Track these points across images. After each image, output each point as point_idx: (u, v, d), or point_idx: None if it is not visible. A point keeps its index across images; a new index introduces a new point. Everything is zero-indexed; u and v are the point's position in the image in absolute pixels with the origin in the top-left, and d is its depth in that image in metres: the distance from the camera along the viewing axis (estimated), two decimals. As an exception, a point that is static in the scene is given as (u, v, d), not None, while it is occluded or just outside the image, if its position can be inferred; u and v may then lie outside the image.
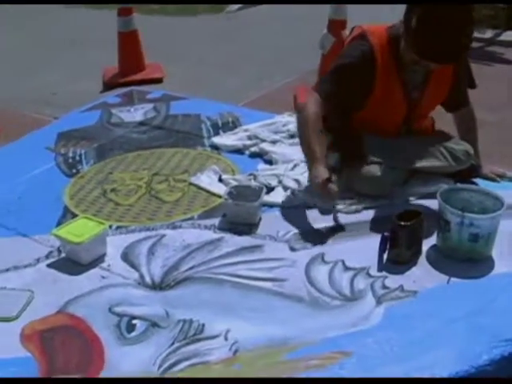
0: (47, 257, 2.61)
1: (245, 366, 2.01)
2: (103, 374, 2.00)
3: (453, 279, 2.36)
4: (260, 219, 2.79)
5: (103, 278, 2.47)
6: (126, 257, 2.59)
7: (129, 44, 5.26)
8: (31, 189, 3.18)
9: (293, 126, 3.65)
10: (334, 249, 2.58)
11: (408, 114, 2.92)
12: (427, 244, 2.55)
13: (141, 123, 4.00)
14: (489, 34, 7.01)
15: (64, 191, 3.15)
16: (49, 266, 2.56)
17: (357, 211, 2.81)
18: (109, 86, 5.08)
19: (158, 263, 2.53)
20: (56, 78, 5.29)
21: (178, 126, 3.94)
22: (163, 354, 2.06)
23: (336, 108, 2.81)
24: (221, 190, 3.01)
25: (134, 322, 2.22)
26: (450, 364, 1.96)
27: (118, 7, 5.16)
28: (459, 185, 2.73)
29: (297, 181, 3.03)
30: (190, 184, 3.17)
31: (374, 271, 2.42)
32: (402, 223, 2.42)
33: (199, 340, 2.12)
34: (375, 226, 2.70)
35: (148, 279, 2.44)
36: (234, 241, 2.66)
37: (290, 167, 3.17)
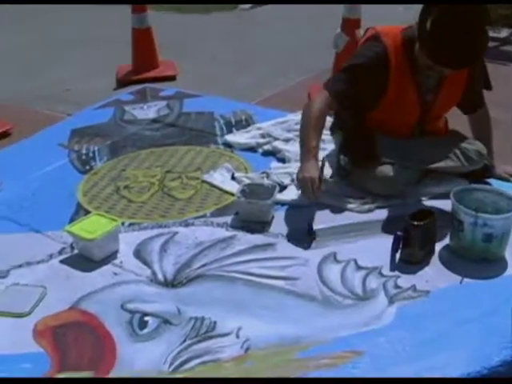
0: (60, 253, 2.62)
1: (256, 364, 2.01)
2: (115, 371, 2.01)
3: (466, 279, 2.35)
4: (273, 217, 2.79)
5: (115, 274, 2.47)
6: (139, 254, 2.59)
7: (143, 41, 5.26)
8: (44, 185, 3.19)
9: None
10: (346, 248, 2.57)
11: (422, 116, 2.90)
12: (440, 244, 2.54)
13: (154, 120, 4.01)
14: (504, 33, 6.97)
15: (77, 188, 3.16)
16: (61, 262, 2.57)
17: (370, 210, 2.80)
18: (122, 83, 5.09)
19: (170, 260, 2.53)
20: (69, 75, 5.31)
21: (191, 123, 3.94)
22: (175, 351, 2.07)
23: (347, 107, 2.80)
24: (233, 187, 3.01)
25: (146, 318, 2.22)
26: (461, 364, 1.95)
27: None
28: (473, 185, 2.72)
29: (310, 179, 3.02)
30: (203, 182, 3.17)
31: (386, 271, 2.42)
32: (415, 223, 2.42)
33: (211, 337, 2.12)
34: (388, 225, 2.69)
35: (160, 276, 2.44)
36: (247, 239, 2.66)
37: (303, 166, 3.16)
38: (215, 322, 2.18)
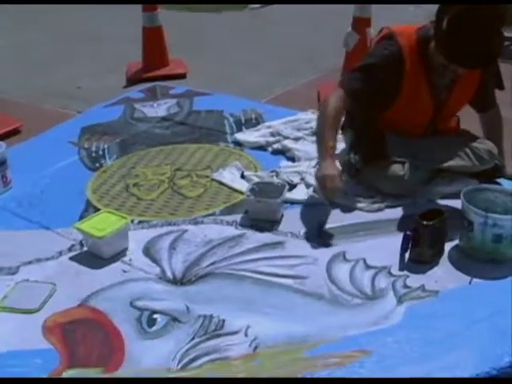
0: (69, 250, 2.63)
1: (264, 363, 2.01)
2: (123, 368, 2.01)
3: (475, 280, 2.35)
4: (282, 216, 2.79)
5: (125, 272, 2.48)
6: (148, 251, 2.60)
7: (153, 39, 5.27)
8: (54, 183, 3.20)
9: (316, 124, 3.64)
10: (355, 247, 2.57)
11: (434, 116, 2.89)
12: (450, 244, 2.53)
13: (164, 118, 4.02)
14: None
15: (87, 185, 3.17)
16: (71, 259, 2.58)
17: (379, 210, 2.80)
18: (132, 81, 5.10)
19: (179, 258, 2.53)
20: (80, 73, 5.32)
21: (200, 121, 3.95)
22: (183, 349, 2.07)
23: (361, 106, 2.79)
24: (243, 186, 3.01)
25: (155, 316, 2.23)
26: (470, 365, 1.95)
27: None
28: (483, 185, 2.70)
29: (319, 178, 3.01)
30: (213, 180, 3.18)
31: (395, 270, 2.41)
32: (425, 222, 2.41)
33: (219, 336, 2.12)
34: (397, 224, 2.69)
35: (169, 274, 2.45)
36: (256, 237, 2.66)
37: (313, 164, 3.16)
38: (224, 320, 2.18)
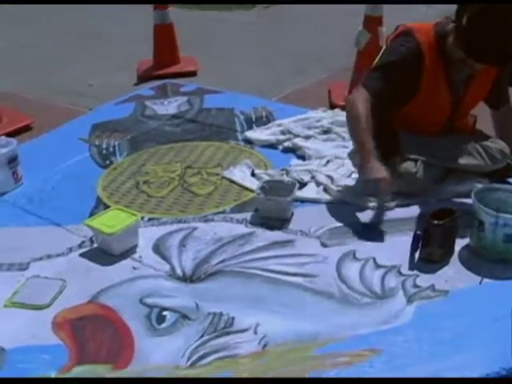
0: (80, 247, 2.64)
1: (273, 361, 2.01)
2: (133, 364, 2.02)
3: (485, 280, 2.34)
4: (292, 214, 2.79)
5: (134, 269, 2.48)
6: (158, 248, 2.60)
7: (164, 37, 5.26)
8: (65, 179, 3.21)
9: (326, 122, 3.65)
10: (365, 246, 2.57)
11: (452, 113, 2.89)
12: (460, 244, 2.52)
13: (174, 116, 4.02)
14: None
15: (97, 182, 3.18)
16: (81, 255, 2.59)
17: (389, 208, 2.79)
18: (143, 78, 5.09)
19: (189, 256, 2.54)
20: (91, 70, 5.32)
21: (211, 119, 3.95)
22: (192, 346, 2.07)
23: (383, 106, 2.76)
24: (253, 184, 3.01)
25: (165, 313, 2.23)
26: (480, 365, 1.94)
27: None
28: (494, 184, 2.70)
29: (329, 177, 3.01)
30: (223, 178, 3.18)
31: (405, 269, 2.41)
32: (436, 222, 2.40)
33: (228, 333, 2.12)
34: (408, 223, 2.68)
35: (179, 271, 2.45)
36: (266, 235, 2.66)
37: (323, 163, 3.16)
38: (233, 318, 2.18)
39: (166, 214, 2.88)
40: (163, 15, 5.25)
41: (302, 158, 3.34)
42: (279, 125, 3.70)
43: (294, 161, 3.32)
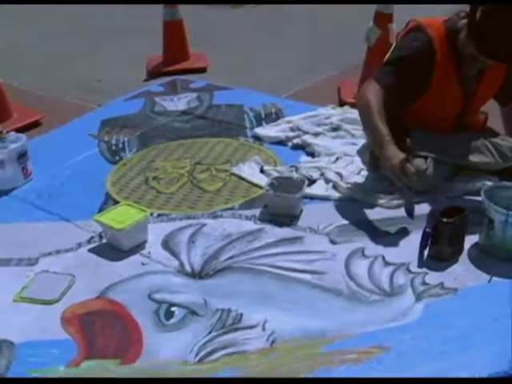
0: (89, 242, 2.64)
1: (281, 357, 2.01)
2: (141, 360, 2.02)
3: (494, 278, 2.33)
4: (301, 211, 2.78)
5: (143, 264, 2.49)
6: (167, 244, 2.61)
7: (174, 33, 5.26)
8: (74, 175, 3.22)
9: (336, 119, 3.64)
10: (374, 243, 2.56)
11: (463, 108, 2.88)
12: (469, 242, 2.51)
13: (184, 112, 4.02)
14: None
15: (106, 178, 3.19)
16: (90, 251, 2.59)
17: (398, 206, 2.78)
18: (153, 74, 5.10)
19: (198, 252, 2.54)
20: (100, 66, 5.33)
21: (220, 115, 3.95)
22: (200, 342, 2.08)
23: (394, 100, 2.75)
24: (262, 180, 3.01)
25: (173, 309, 2.24)
26: (489, 364, 1.93)
27: None
28: (505, 182, 2.68)
29: (339, 174, 3.01)
30: (232, 174, 3.18)
31: (414, 267, 2.40)
32: (445, 220, 2.40)
33: (237, 329, 2.13)
34: (417, 221, 2.67)
35: (188, 267, 2.45)
36: (275, 232, 2.66)
37: (333, 160, 3.16)
38: (241, 314, 2.18)
39: (175, 210, 2.88)
40: (173, 11, 5.25)
41: (312, 154, 3.34)
42: (288, 122, 3.70)
43: (304, 158, 3.32)
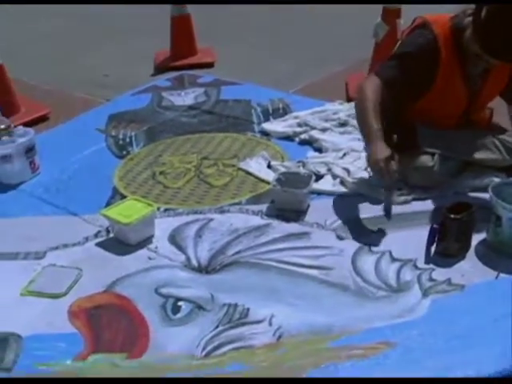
0: (96, 236, 2.65)
1: (288, 352, 2.01)
2: (148, 354, 2.03)
3: (502, 275, 2.32)
4: (308, 206, 2.78)
5: (150, 259, 2.49)
6: (174, 239, 2.61)
7: (181, 28, 5.26)
8: (81, 169, 3.23)
9: (343, 115, 3.63)
10: (381, 239, 2.56)
11: (468, 106, 2.87)
12: (477, 238, 2.51)
13: (191, 107, 4.02)
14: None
15: (114, 172, 3.19)
16: (97, 245, 2.60)
17: (406, 202, 2.78)
18: (160, 69, 5.10)
19: (204, 246, 2.54)
20: (108, 61, 5.33)
21: (228, 110, 3.95)
22: (207, 337, 2.08)
23: (396, 96, 2.75)
24: (269, 176, 3.01)
25: (180, 303, 2.24)
26: (495, 361, 1.93)
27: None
28: (512, 179, 2.68)
29: (346, 169, 3.00)
30: (239, 169, 3.18)
31: (421, 263, 2.40)
32: (453, 216, 2.39)
33: (243, 324, 2.13)
34: (424, 217, 2.67)
35: (194, 262, 2.46)
36: (282, 227, 2.66)
37: (340, 155, 3.15)
38: (248, 309, 2.19)
39: (182, 204, 2.88)
40: (181, 7, 5.25)
41: (319, 150, 3.33)
42: (296, 117, 3.69)
43: (311, 153, 3.31)
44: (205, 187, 3.03)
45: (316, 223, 2.68)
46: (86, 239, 2.63)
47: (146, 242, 2.59)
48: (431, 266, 2.38)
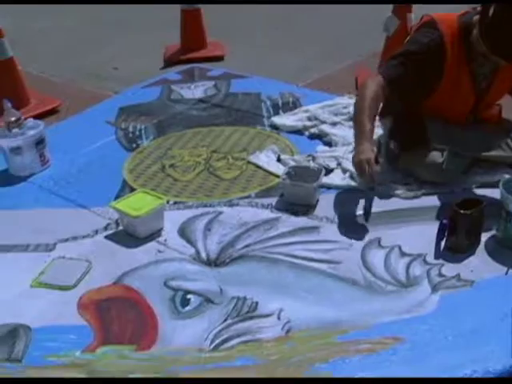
0: (105, 229, 2.66)
1: (296, 346, 2.01)
2: (156, 346, 2.03)
3: (511, 271, 2.31)
4: (317, 201, 2.78)
5: (159, 252, 2.50)
6: (183, 232, 2.61)
7: (192, 22, 5.26)
8: (91, 162, 3.24)
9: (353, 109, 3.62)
10: (390, 234, 2.55)
11: (475, 105, 2.85)
12: (487, 234, 2.50)
13: (201, 100, 4.02)
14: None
15: (123, 165, 3.19)
16: (107, 237, 2.61)
17: (416, 197, 2.77)
18: (170, 62, 5.10)
19: (214, 240, 2.55)
20: (118, 54, 5.34)
21: (237, 104, 3.95)
22: (216, 330, 2.08)
23: (400, 95, 2.75)
24: (279, 169, 3.01)
25: (189, 296, 2.24)
26: (504, 357, 1.92)
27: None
28: (523, 175, 2.67)
29: (356, 164, 3.00)
30: (249, 162, 3.18)
31: (430, 258, 2.39)
32: (462, 211, 2.38)
33: (252, 318, 2.13)
34: (434, 212, 2.66)
35: (204, 255, 2.46)
36: (291, 221, 2.66)
37: (350, 150, 3.13)
38: (257, 303, 2.19)
39: (191, 197, 2.88)
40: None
41: (329, 144, 3.33)
42: (306, 111, 3.69)
43: (321, 147, 3.31)
44: (214, 180, 3.03)
45: (325, 217, 2.67)
46: (96, 232, 2.64)
47: (155, 234, 2.59)
48: (441, 261, 2.38)
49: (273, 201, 2.81)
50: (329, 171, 2.97)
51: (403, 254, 2.42)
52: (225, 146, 3.39)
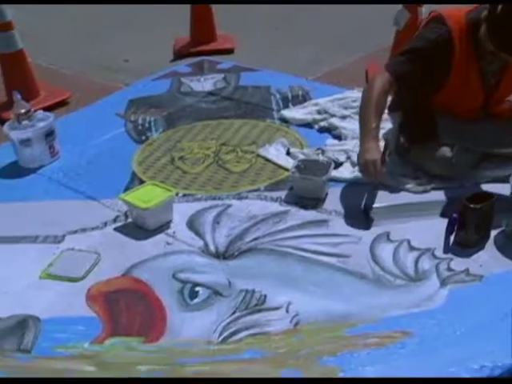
0: (114, 221, 2.66)
1: (305, 339, 2.01)
2: (165, 338, 2.04)
3: (521, 265, 2.31)
4: (327, 194, 2.78)
5: (168, 244, 2.50)
6: (192, 224, 2.62)
7: (202, 14, 5.25)
8: (101, 154, 3.24)
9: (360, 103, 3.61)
10: (399, 228, 2.54)
11: (485, 101, 2.84)
12: (496, 229, 2.49)
13: (210, 93, 4.02)
14: None
15: (133, 157, 3.20)
16: (116, 229, 2.61)
17: (425, 191, 2.76)
18: (180, 55, 5.10)
19: (222, 232, 2.55)
20: (128, 46, 5.34)
21: (247, 97, 3.94)
22: (224, 322, 2.09)
23: (408, 91, 2.74)
24: (288, 163, 3.01)
25: (197, 289, 2.25)
26: (512, 353, 1.92)
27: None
28: (533, 170, 2.65)
29: (365, 157, 2.99)
30: (258, 155, 3.17)
31: (439, 253, 2.39)
32: (472, 206, 2.37)
33: (260, 311, 2.13)
34: (443, 207, 2.65)
35: (212, 248, 2.46)
36: (300, 214, 2.66)
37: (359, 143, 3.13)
38: (265, 296, 2.19)
39: (200, 190, 2.89)
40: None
41: (338, 137, 3.32)
42: (315, 104, 3.68)
43: (330, 140, 3.30)
44: (223, 173, 3.03)
45: (334, 211, 2.67)
46: (105, 224, 2.64)
47: (164, 226, 2.60)
48: (450, 255, 2.37)
49: (282, 194, 2.81)
50: (338, 165, 2.97)
51: (412, 248, 2.42)
52: (234, 138, 3.39)
